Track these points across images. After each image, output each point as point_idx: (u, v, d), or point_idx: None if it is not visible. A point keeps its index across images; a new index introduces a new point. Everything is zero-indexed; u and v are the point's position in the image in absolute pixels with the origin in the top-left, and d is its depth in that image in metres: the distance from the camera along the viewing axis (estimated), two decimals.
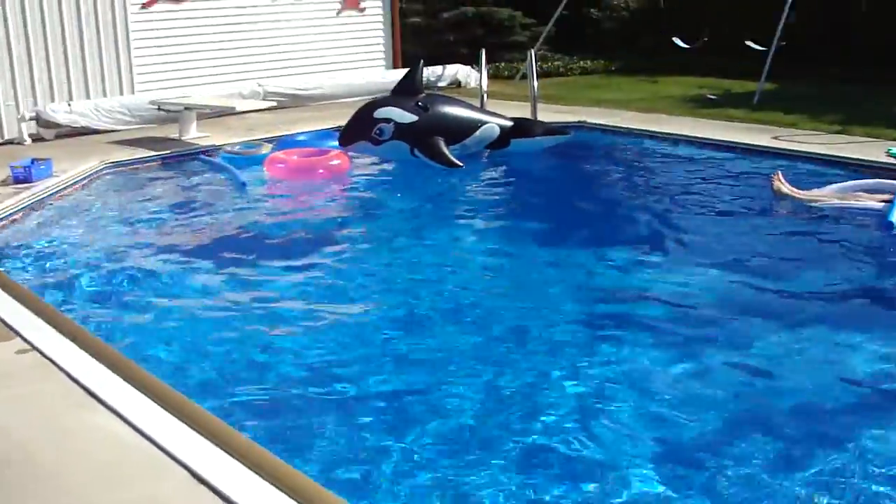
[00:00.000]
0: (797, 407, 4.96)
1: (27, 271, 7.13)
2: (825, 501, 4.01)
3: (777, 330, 5.93)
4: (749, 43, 14.65)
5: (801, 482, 4.16)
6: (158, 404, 4.36)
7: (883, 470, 4.25)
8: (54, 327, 5.38)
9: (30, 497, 3.69)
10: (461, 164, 10.14)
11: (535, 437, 4.61)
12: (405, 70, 11.79)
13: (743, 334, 5.88)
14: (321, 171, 10.04)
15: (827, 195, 8.76)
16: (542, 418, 4.77)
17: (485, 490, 4.12)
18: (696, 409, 4.90)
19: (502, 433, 4.66)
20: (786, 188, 8.88)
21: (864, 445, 4.47)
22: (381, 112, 10.28)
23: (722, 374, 5.35)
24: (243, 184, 9.71)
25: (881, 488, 4.12)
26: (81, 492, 3.73)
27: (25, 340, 5.22)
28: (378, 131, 10.17)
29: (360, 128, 10.32)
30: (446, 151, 10.20)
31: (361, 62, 15.89)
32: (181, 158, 11.08)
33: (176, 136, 11.85)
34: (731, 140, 11.32)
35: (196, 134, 11.89)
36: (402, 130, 10.17)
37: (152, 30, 13.50)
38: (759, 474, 4.24)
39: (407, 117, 10.21)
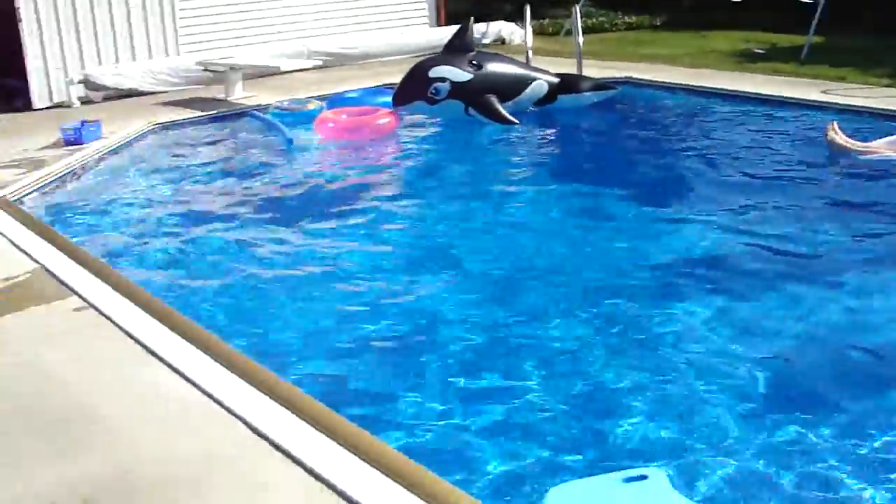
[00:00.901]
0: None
1: (80, 231, 7.14)
2: None
3: (837, 284, 5.83)
4: None
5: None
6: (215, 360, 4.37)
7: None
8: (110, 285, 5.40)
9: (95, 449, 3.70)
10: (517, 122, 10.07)
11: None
12: (449, 28, 11.65)
13: (809, 286, 5.84)
14: (370, 130, 9.97)
15: (883, 146, 8.56)
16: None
17: None
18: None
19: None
20: (840, 139, 8.68)
21: None
22: (437, 71, 10.17)
23: (816, 321, 5.35)
24: (290, 140, 9.69)
25: None
26: (142, 444, 3.74)
27: (82, 298, 5.25)
28: (434, 90, 10.07)
29: (416, 87, 10.21)
30: (501, 109, 10.11)
31: (406, 20, 15.75)
32: (228, 118, 11.09)
33: (222, 96, 11.86)
34: (781, 95, 11.10)
35: (242, 94, 11.90)
36: (457, 89, 10.07)
37: None
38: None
39: (462, 76, 10.10)
